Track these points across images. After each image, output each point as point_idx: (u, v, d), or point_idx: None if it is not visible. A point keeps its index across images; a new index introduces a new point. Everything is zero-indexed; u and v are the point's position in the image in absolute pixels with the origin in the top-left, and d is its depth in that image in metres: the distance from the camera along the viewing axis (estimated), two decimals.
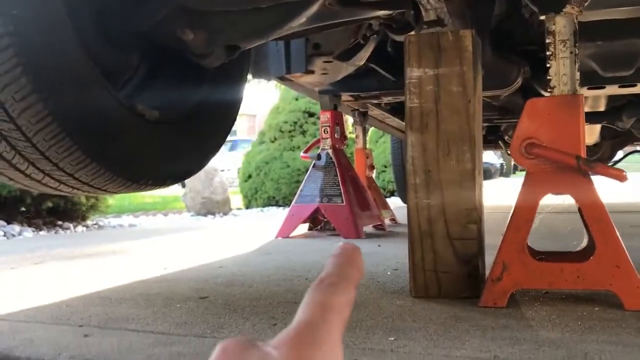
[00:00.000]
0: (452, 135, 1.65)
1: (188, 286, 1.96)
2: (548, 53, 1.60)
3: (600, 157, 5.65)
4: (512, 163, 20.69)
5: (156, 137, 1.85)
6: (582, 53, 2.40)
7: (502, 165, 20.60)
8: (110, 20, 1.75)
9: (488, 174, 17.84)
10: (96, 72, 1.55)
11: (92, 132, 1.56)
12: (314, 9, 1.87)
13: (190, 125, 2.01)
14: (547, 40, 1.60)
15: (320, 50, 2.66)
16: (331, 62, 2.72)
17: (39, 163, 1.56)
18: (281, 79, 2.97)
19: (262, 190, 8.84)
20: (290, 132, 8.91)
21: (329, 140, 3.51)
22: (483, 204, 1.73)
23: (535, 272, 1.52)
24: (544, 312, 1.47)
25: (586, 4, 1.59)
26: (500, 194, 8.14)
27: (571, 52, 1.59)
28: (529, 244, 1.59)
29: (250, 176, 9.06)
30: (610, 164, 6.46)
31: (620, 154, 6.18)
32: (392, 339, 1.26)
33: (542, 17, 1.62)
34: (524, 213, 1.57)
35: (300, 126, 8.92)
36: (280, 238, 3.48)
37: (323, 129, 3.53)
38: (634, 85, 2.90)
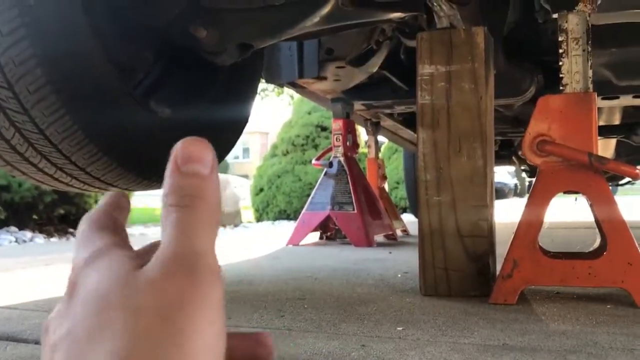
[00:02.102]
0: (464, 132, 1.65)
1: None
2: (560, 51, 1.60)
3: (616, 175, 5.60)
4: (527, 183, 20.58)
5: (168, 134, 1.85)
6: (595, 61, 2.40)
7: (516, 185, 20.48)
8: (124, 17, 1.77)
9: (502, 193, 17.74)
10: (110, 67, 1.56)
11: (105, 127, 1.57)
12: (327, 8, 1.88)
13: (201, 126, 2.01)
14: (560, 38, 1.60)
15: (333, 56, 2.67)
16: (344, 67, 2.73)
17: (52, 156, 1.56)
18: (293, 85, 2.98)
19: (274, 204, 8.85)
20: (302, 145, 8.93)
21: (341, 148, 3.51)
22: (494, 201, 1.72)
23: (546, 269, 1.50)
24: (555, 308, 1.45)
25: (599, 1, 1.59)
26: (514, 213, 8.09)
27: (584, 50, 1.58)
28: (540, 245, 1.58)
29: (261, 190, 9.07)
30: (622, 182, 6.42)
31: None
32: (401, 328, 1.25)
33: (555, 15, 1.62)
34: (535, 210, 1.56)
35: (313, 140, 8.94)
36: (290, 245, 3.48)
37: (335, 137, 3.53)
38: None
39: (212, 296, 0.28)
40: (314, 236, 3.77)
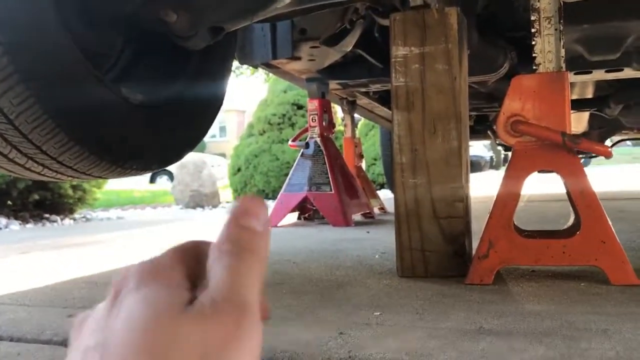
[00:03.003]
0: (438, 113, 1.65)
1: None
2: (533, 30, 1.60)
3: None
4: (502, 155, 20.76)
5: (140, 121, 1.83)
6: (567, 37, 2.40)
7: (491, 157, 20.65)
8: (92, 2, 1.73)
9: (478, 166, 17.89)
10: (79, 54, 1.53)
11: (76, 114, 1.54)
12: None
13: (175, 110, 1.99)
14: (532, 18, 1.60)
15: (306, 36, 2.64)
16: (318, 47, 2.71)
17: (22, 146, 1.53)
18: (268, 65, 2.95)
19: (252, 184, 8.82)
20: (279, 124, 8.89)
21: (317, 128, 3.50)
22: (470, 182, 1.72)
23: (521, 248, 1.52)
24: (530, 288, 1.47)
25: None
26: (490, 186, 8.15)
27: (556, 29, 1.59)
28: (515, 223, 1.59)
29: (239, 169, 9.04)
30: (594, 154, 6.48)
31: (608, 143, 6.20)
32: (378, 313, 1.25)
33: None
34: (510, 191, 1.56)
35: (289, 119, 8.90)
36: None
37: (311, 117, 3.51)
38: (621, 70, 2.90)
39: (253, 344, 0.29)
40: (293, 216, 3.77)
